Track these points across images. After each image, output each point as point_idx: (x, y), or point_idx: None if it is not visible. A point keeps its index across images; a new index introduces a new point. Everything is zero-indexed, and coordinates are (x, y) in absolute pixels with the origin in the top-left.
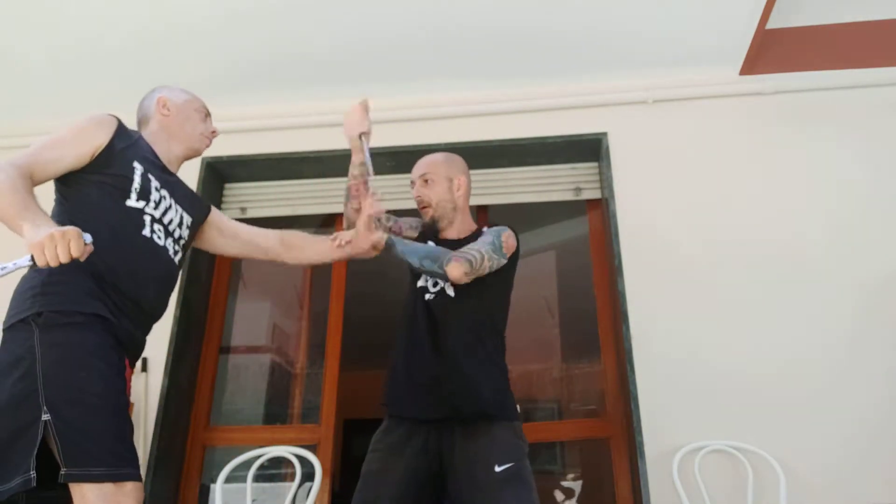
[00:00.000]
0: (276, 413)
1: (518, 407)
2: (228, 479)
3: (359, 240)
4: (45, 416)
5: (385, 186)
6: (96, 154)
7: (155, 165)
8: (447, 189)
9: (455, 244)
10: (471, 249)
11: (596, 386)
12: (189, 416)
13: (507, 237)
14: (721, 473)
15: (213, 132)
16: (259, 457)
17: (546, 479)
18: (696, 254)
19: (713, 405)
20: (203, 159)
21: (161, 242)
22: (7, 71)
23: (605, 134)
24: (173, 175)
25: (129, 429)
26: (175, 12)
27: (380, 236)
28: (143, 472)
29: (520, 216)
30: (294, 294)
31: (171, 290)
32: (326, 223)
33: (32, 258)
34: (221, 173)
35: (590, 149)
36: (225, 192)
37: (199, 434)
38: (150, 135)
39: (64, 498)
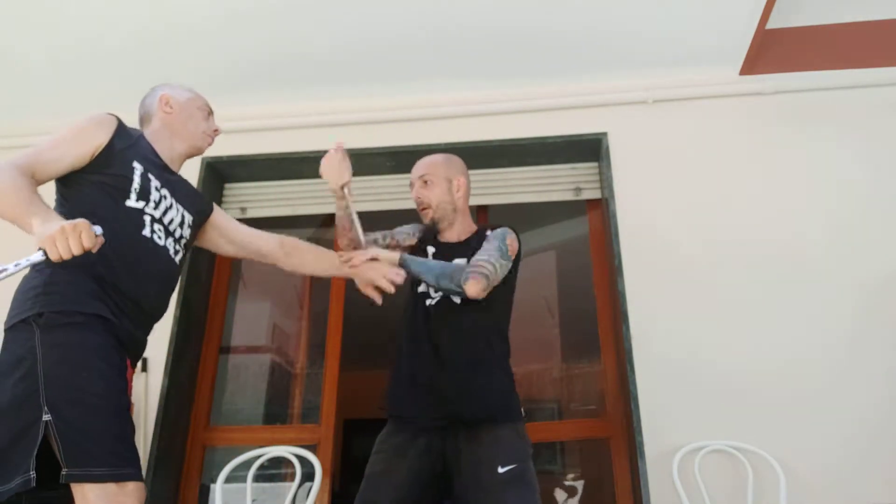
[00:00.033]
0: (276, 413)
1: (522, 409)
2: (228, 479)
3: (370, 272)
4: (46, 417)
5: (385, 186)
6: (96, 154)
7: (155, 165)
8: (447, 190)
9: (456, 247)
10: (483, 262)
11: (596, 386)
12: (189, 416)
13: (511, 241)
14: (721, 473)
15: (216, 130)
16: (259, 457)
17: (546, 479)
18: (696, 254)
19: (713, 405)
20: (203, 159)
21: (161, 242)
22: (7, 71)
23: (605, 134)
24: (175, 174)
25: (130, 429)
26: (175, 12)
27: (395, 272)
28: (143, 471)
29: (520, 216)
30: (294, 294)
31: (172, 289)
32: (326, 223)
33: (45, 253)
34: (221, 173)
35: (590, 149)
36: (225, 192)
37: (199, 434)
38: (152, 133)
39: (65, 498)
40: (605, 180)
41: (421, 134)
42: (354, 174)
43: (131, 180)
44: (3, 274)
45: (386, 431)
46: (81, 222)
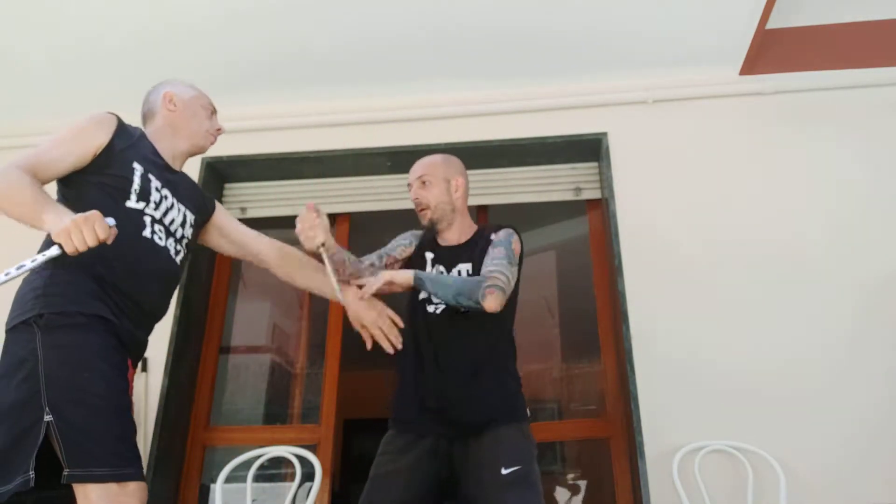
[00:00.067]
0: (276, 413)
1: (528, 409)
2: (228, 479)
3: (366, 314)
4: (48, 418)
5: (384, 186)
6: (97, 154)
7: (156, 165)
8: (445, 190)
9: (457, 251)
10: (497, 274)
11: (596, 386)
12: (189, 416)
13: (516, 245)
14: (721, 473)
15: (219, 129)
16: (259, 457)
17: (546, 479)
18: (696, 254)
19: (713, 405)
20: (203, 159)
21: (162, 243)
22: (7, 71)
23: (605, 134)
24: (176, 173)
25: (131, 429)
26: (175, 12)
27: (395, 337)
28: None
29: (520, 216)
30: (294, 294)
31: (173, 290)
32: None
33: (60, 247)
34: (221, 173)
35: (590, 149)
36: (225, 192)
37: (199, 434)
38: (155, 130)
39: (68, 498)
40: (605, 180)
41: (421, 134)
42: (354, 174)
43: (131, 181)
44: (22, 270)
45: (392, 433)
46: (94, 214)
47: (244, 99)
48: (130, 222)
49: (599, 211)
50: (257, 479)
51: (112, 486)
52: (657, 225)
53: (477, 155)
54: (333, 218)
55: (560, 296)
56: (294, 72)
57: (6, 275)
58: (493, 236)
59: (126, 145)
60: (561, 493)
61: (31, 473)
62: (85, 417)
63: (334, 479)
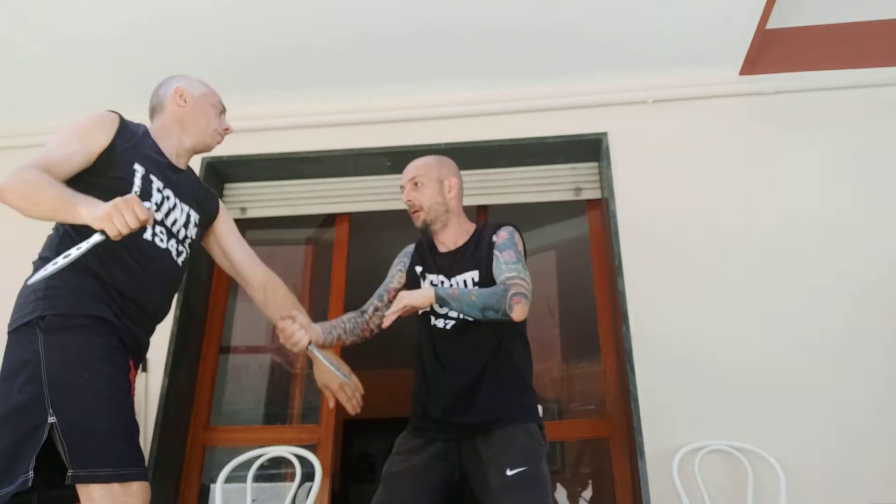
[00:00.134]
0: (276, 413)
1: (540, 408)
2: (228, 479)
3: (325, 377)
4: (52, 419)
5: (384, 186)
6: (100, 154)
7: (158, 164)
8: (438, 191)
9: (456, 256)
10: (518, 281)
11: (596, 386)
12: (189, 416)
13: (519, 242)
14: (721, 473)
15: (227, 129)
16: (259, 457)
17: None
18: (695, 254)
19: (713, 405)
20: (203, 159)
21: (163, 245)
22: (7, 71)
23: (605, 134)
24: (180, 171)
25: (134, 429)
26: (175, 12)
27: (356, 403)
28: None
29: (520, 216)
30: (294, 294)
31: (175, 291)
32: (326, 223)
33: (103, 232)
34: (221, 173)
35: (590, 149)
36: (225, 192)
37: (199, 434)
38: (162, 125)
39: (73, 498)
40: (605, 180)
41: (421, 134)
42: (354, 174)
43: (131, 183)
44: (66, 260)
45: (406, 434)
46: (132, 197)
47: (244, 99)
48: None
49: (599, 211)
50: (257, 479)
51: (115, 486)
52: (657, 225)
53: (477, 155)
54: (334, 218)
55: (560, 296)
56: (294, 72)
57: (54, 264)
58: (494, 238)
59: (128, 145)
60: (561, 494)
61: (31, 474)
62: (88, 418)
63: (334, 479)
